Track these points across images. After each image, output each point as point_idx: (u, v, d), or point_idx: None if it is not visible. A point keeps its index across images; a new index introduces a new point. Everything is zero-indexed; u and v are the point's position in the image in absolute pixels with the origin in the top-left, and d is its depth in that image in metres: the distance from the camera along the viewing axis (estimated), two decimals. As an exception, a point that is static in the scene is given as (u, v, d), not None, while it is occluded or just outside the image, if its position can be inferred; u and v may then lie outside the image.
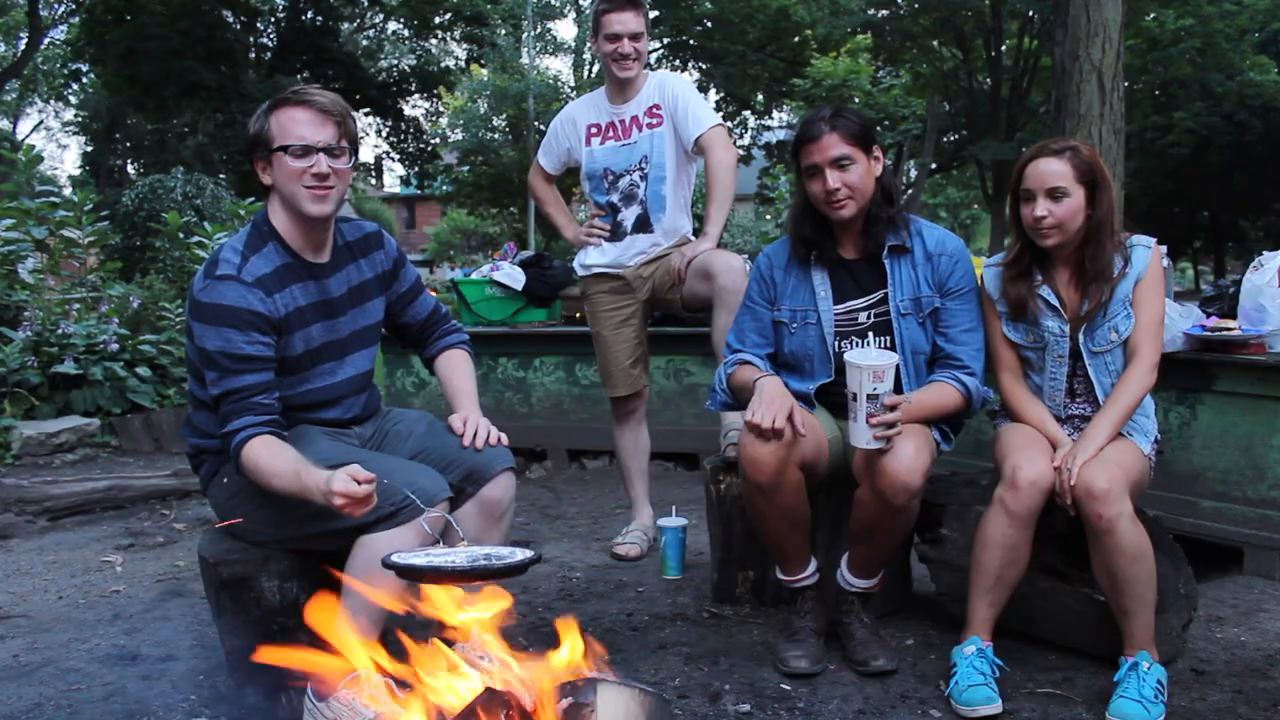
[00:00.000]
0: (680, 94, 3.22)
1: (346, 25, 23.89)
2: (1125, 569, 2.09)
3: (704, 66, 21.63)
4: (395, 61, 25.30)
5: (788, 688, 2.27)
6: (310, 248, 2.15)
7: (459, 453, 2.15)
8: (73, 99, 31.07)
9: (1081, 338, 2.33)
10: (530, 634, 2.15)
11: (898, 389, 2.29)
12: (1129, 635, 2.15)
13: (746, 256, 3.92)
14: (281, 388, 2.08)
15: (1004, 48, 21.19)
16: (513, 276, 4.92)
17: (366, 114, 25.02)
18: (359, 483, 1.78)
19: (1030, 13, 19.70)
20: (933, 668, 2.37)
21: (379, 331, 2.31)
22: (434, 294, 2.60)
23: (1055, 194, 2.24)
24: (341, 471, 1.80)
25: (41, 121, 35.33)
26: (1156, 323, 2.32)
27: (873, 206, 2.37)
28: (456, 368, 2.38)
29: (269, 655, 1.62)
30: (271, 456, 1.94)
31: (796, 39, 20.75)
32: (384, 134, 25.40)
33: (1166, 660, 2.33)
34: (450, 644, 1.65)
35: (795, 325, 2.46)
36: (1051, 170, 2.25)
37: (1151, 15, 18.33)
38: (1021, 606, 2.36)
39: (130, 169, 28.70)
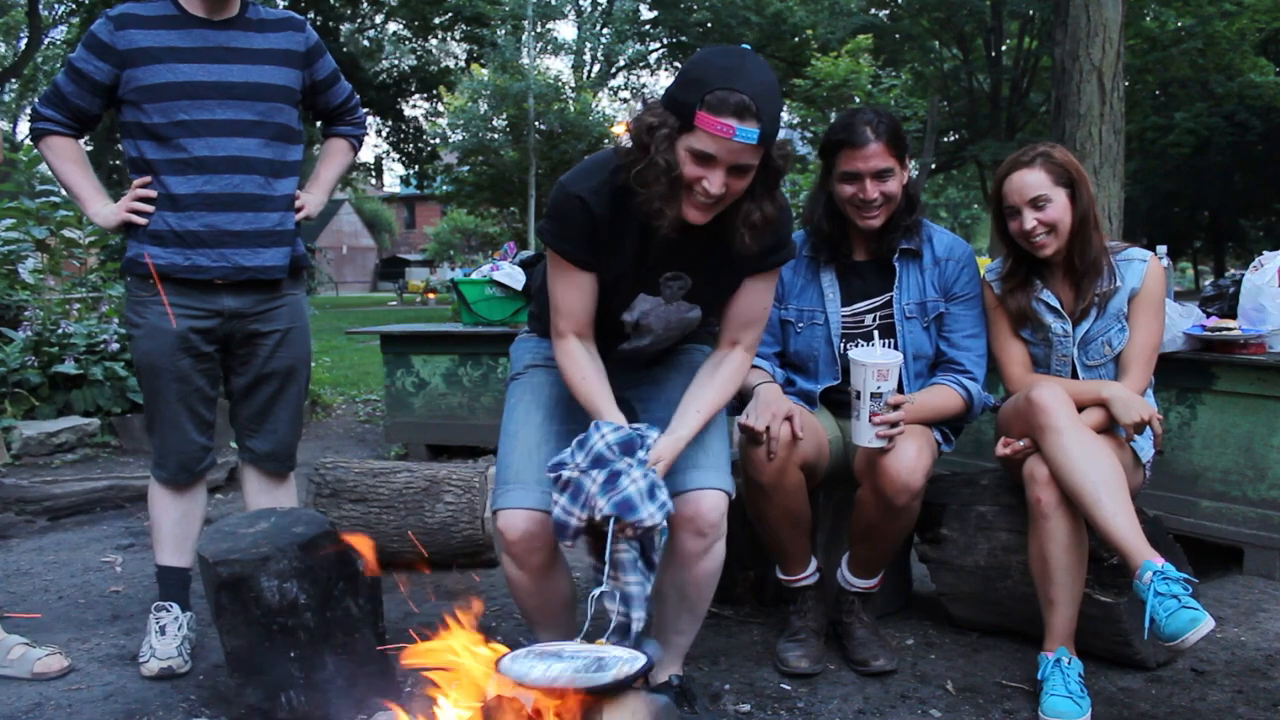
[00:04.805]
0: None
1: (346, 26, 23.90)
2: (1058, 557, 2.10)
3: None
4: (395, 61, 25.31)
5: (788, 688, 2.27)
6: (205, 7, 2.34)
7: None
8: (73, 99, 31.06)
9: (1075, 351, 2.34)
10: (528, 635, 2.15)
11: (899, 391, 2.29)
12: (1051, 628, 2.15)
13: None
14: (158, 114, 2.29)
15: (1004, 48, 21.20)
16: (513, 276, 4.91)
17: (366, 114, 25.00)
18: None
19: (1030, 13, 19.72)
20: (933, 668, 2.37)
21: (284, 98, 2.40)
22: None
23: (1038, 202, 2.24)
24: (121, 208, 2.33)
25: (41, 121, 35.39)
26: (1152, 346, 2.30)
27: (895, 214, 2.36)
28: (327, 153, 2.66)
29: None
30: (70, 160, 2.37)
31: (796, 39, 20.77)
32: (384, 134, 25.41)
33: (1166, 660, 2.33)
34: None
35: (801, 325, 2.45)
36: (1028, 182, 2.25)
37: (1151, 15, 18.33)
38: (1022, 606, 2.36)
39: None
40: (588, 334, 1.95)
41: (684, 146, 1.70)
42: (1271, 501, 2.91)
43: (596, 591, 1.73)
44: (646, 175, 1.73)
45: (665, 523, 1.75)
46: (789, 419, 2.15)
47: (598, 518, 1.70)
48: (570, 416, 1.97)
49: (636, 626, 1.74)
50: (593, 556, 1.81)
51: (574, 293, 1.90)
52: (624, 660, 1.56)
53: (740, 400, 2.41)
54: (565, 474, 1.74)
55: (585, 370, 1.91)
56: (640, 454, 1.76)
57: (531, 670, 1.51)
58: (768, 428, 2.14)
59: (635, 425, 1.83)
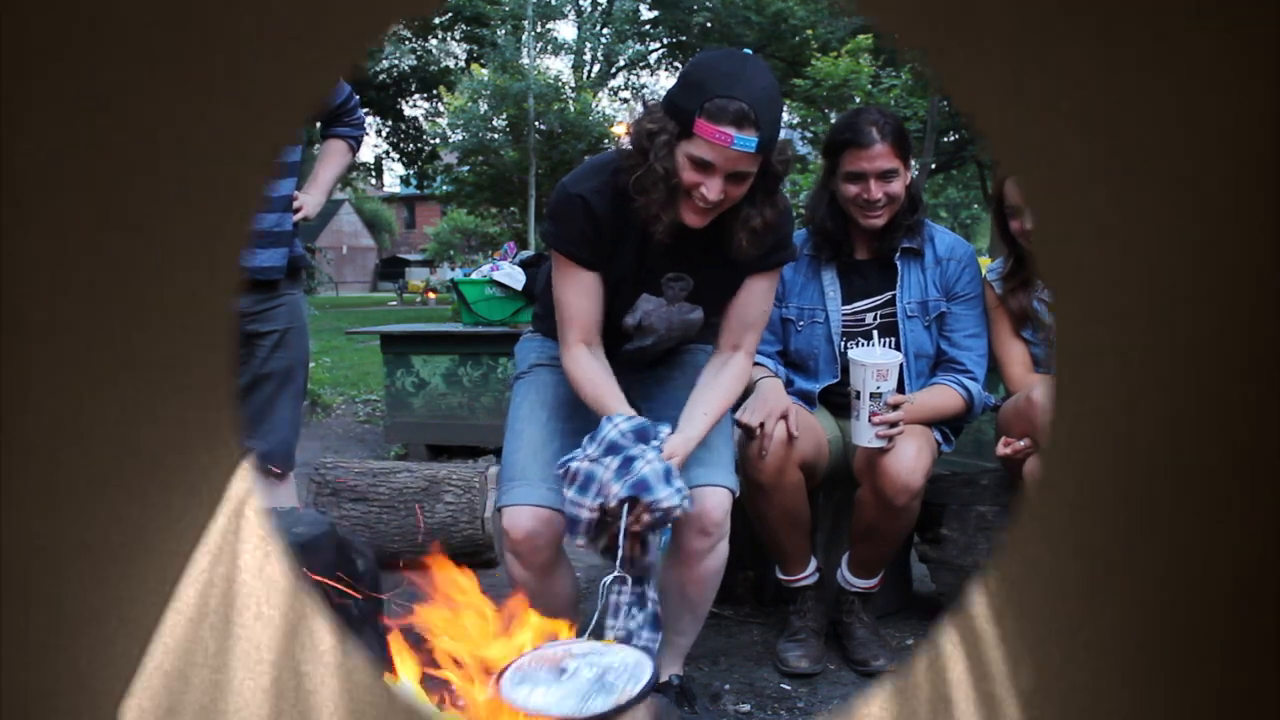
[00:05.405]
0: None
1: (346, 25, 23.91)
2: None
3: (704, 67, 21.63)
4: (395, 61, 25.33)
5: (788, 688, 2.27)
6: None
7: None
8: (73, 99, 31.04)
9: None
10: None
11: (900, 390, 2.29)
12: None
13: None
14: None
15: (1004, 48, 21.18)
16: (513, 276, 4.92)
17: (366, 114, 25.04)
18: None
19: (1030, 13, 19.68)
20: (933, 668, 2.37)
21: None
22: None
23: None
24: None
25: (41, 121, 35.37)
26: None
27: (898, 213, 2.36)
28: (326, 154, 2.70)
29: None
30: None
31: (796, 39, 20.78)
32: (384, 134, 25.46)
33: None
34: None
35: (802, 324, 2.45)
36: None
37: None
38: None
39: (130, 169, 28.71)
40: (596, 341, 1.94)
41: (683, 153, 1.70)
42: (1272, 501, 2.91)
43: (608, 579, 1.71)
44: (645, 181, 1.73)
45: (678, 511, 1.73)
46: (784, 418, 2.15)
47: (612, 503, 1.68)
48: (576, 415, 1.97)
49: (638, 642, 1.72)
50: (600, 551, 1.80)
51: (580, 296, 1.90)
52: (629, 668, 1.54)
53: (743, 397, 2.41)
54: (574, 465, 1.72)
55: (595, 376, 1.90)
56: (655, 442, 1.75)
57: (531, 697, 1.48)
58: (762, 425, 2.14)
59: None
